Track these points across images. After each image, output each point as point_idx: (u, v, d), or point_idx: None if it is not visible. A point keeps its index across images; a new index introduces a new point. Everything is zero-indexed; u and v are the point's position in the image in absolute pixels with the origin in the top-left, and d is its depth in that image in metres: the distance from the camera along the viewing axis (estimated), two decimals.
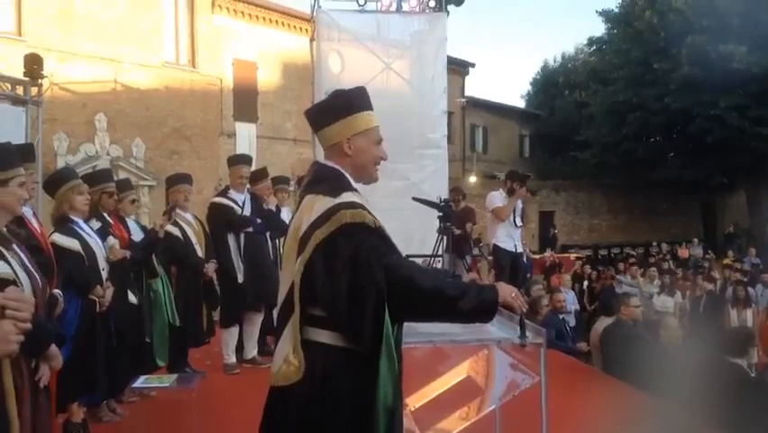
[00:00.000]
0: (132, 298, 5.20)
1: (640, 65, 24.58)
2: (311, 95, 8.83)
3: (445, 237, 5.69)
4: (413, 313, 2.37)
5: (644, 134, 26.29)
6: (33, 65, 9.45)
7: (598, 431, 4.64)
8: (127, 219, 5.69)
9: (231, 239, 6.51)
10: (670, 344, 6.66)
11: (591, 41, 29.90)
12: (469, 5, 9.74)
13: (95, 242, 4.70)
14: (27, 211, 4.05)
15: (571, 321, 8.56)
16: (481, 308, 2.32)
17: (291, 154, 19.96)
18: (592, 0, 57.15)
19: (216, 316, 6.76)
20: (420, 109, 8.78)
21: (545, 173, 30.53)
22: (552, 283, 11.72)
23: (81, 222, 4.69)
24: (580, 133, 27.83)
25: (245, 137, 19.07)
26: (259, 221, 6.65)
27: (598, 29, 34.62)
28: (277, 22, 20.22)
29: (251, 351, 6.74)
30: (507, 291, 2.38)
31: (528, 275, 11.57)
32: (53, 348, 2.54)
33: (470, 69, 30.01)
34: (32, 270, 2.56)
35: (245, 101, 19.46)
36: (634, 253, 22.47)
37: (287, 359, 2.30)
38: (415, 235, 7.44)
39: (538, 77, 38.67)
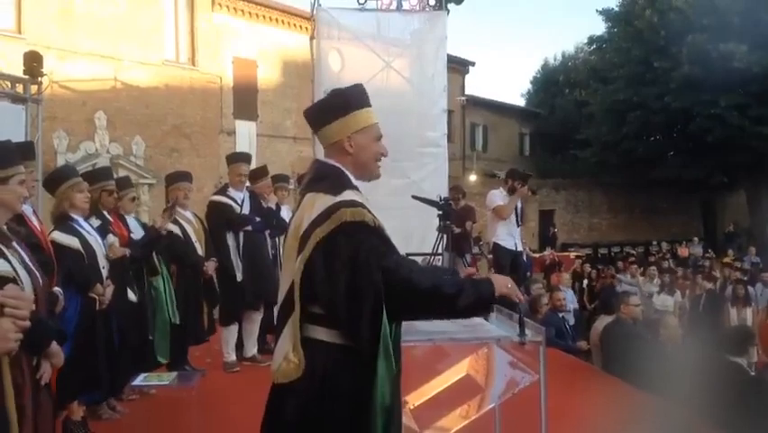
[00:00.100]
0: (131, 296, 5.21)
1: (640, 64, 24.57)
2: (311, 93, 8.83)
3: (445, 236, 5.71)
4: (412, 313, 2.38)
5: (645, 133, 26.28)
6: (33, 63, 9.44)
7: (597, 430, 4.64)
8: (127, 217, 5.69)
9: (230, 238, 6.51)
10: (669, 342, 6.67)
11: (592, 40, 29.88)
12: (469, 4, 9.75)
13: (95, 240, 4.70)
14: (27, 209, 4.05)
15: (570, 320, 8.56)
16: (479, 302, 2.34)
17: (291, 152, 19.97)
18: None
19: (216, 314, 6.76)
20: (420, 108, 8.78)
21: (545, 172, 30.52)
22: (551, 282, 11.73)
23: (81, 220, 4.69)
24: (581, 131, 27.84)
25: (245, 135, 19.08)
26: (258, 219, 6.65)
27: (599, 28, 34.61)
28: (277, 20, 20.22)
29: (251, 349, 6.75)
30: (502, 283, 2.40)
31: (528, 274, 11.58)
32: (54, 346, 2.54)
33: (471, 67, 30.04)
34: (33, 267, 2.57)
35: (245, 99, 19.46)
36: (634, 251, 22.49)
37: (287, 357, 2.30)
38: (414, 234, 7.45)
39: (538, 75, 38.63)
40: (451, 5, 9.34)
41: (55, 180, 4.72)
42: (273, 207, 6.92)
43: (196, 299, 6.21)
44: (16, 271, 2.44)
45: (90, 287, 4.54)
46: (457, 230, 7.93)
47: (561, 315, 8.19)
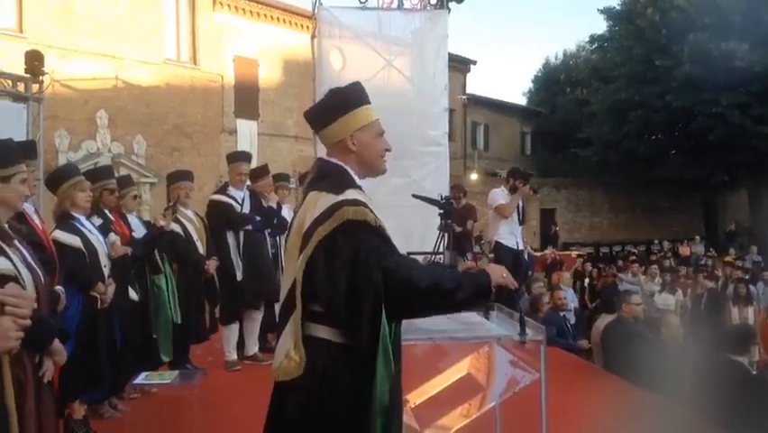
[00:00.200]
0: (133, 294, 5.21)
1: (642, 63, 24.55)
2: (312, 92, 8.83)
3: (446, 234, 5.70)
4: (412, 311, 2.39)
5: (646, 132, 26.25)
6: (34, 62, 9.43)
7: (598, 428, 4.64)
8: (129, 216, 5.69)
9: (230, 237, 6.51)
10: (671, 341, 6.67)
11: (593, 39, 29.83)
12: (470, 2, 9.78)
13: (96, 239, 4.70)
14: (29, 208, 4.05)
15: (571, 319, 8.56)
16: (478, 294, 2.36)
17: (292, 151, 19.97)
18: None
19: (217, 313, 6.76)
20: (421, 106, 8.78)
21: (546, 171, 30.48)
22: (552, 281, 11.73)
23: (83, 219, 4.69)
24: (582, 130, 27.81)
25: (246, 134, 19.09)
26: (258, 219, 6.65)
27: (600, 26, 34.60)
28: (278, 19, 20.22)
29: (252, 348, 6.75)
30: (497, 273, 2.41)
31: (529, 273, 11.57)
32: (57, 343, 2.55)
33: (472, 66, 30.02)
34: (34, 266, 2.57)
35: (246, 98, 19.46)
36: (635, 250, 22.47)
37: (288, 354, 2.31)
38: (415, 233, 7.45)
39: (540, 74, 38.56)
40: (452, 4, 9.35)
41: (57, 179, 4.72)
42: (274, 206, 6.92)
43: (198, 297, 6.22)
44: (18, 270, 2.44)
45: (92, 286, 4.55)
46: (458, 229, 7.93)
47: (562, 314, 8.19)
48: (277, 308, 6.25)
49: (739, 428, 4.60)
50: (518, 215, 8.30)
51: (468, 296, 2.32)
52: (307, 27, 14.94)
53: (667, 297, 11.27)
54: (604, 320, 7.22)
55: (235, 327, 6.60)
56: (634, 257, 16.05)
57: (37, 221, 4.14)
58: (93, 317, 4.56)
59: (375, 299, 2.18)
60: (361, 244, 2.23)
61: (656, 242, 24.82)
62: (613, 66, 26.21)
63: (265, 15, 19.93)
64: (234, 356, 6.59)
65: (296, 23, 20.13)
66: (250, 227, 6.58)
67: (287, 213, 7.10)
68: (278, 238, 6.98)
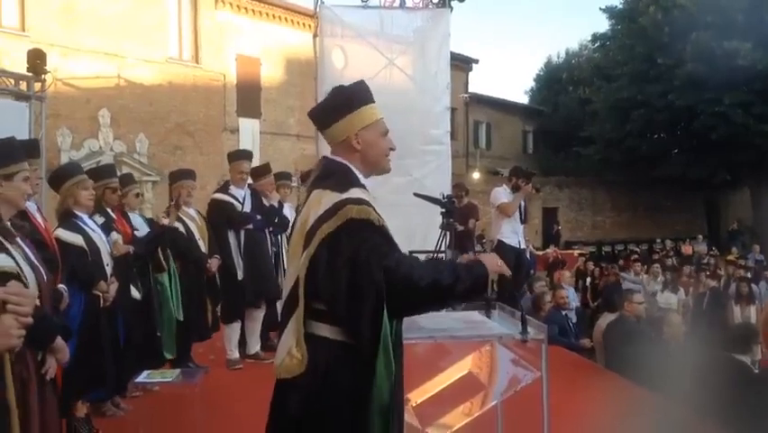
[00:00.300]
0: (135, 293, 5.22)
1: (644, 61, 24.52)
2: (314, 91, 8.82)
3: (448, 233, 5.69)
4: (413, 309, 2.40)
5: (648, 131, 26.22)
6: (36, 60, 9.43)
7: (599, 427, 4.64)
8: (131, 214, 5.70)
9: (231, 236, 6.52)
10: (673, 340, 6.66)
11: (595, 38, 29.81)
12: (472, 1, 9.72)
13: (99, 237, 4.71)
14: (31, 206, 4.06)
15: (572, 318, 8.56)
16: (476, 286, 2.37)
17: (294, 150, 19.98)
18: None
19: (218, 311, 6.77)
20: (423, 105, 8.75)
21: (549, 169, 30.46)
22: (554, 280, 11.72)
23: (86, 217, 4.70)
24: (584, 129, 27.78)
25: (248, 133, 19.09)
26: (258, 217, 6.65)
27: (603, 25, 34.53)
28: (280, 17, 20.22)
29: (254, 346, 6.76)
30: (493, 262, 2.42)
31: (531, 271, 11.57)
32: (59, 341, 2.55)
33: (474, 65, 30.00)
34: (37, 263, 2.58)
35: (248, 97, 19.47)
36: (637, 249, 22.44)
37: (290, 352, 2.32)
38: (417, 232, 7.43)
39: (542, 73, 38.55)
40: (454, 3, 9.30)
41: (60, 178, 4.73)
42: (275, 204, 6.92)
43: (200, 296, 6.22)
44: (20, 267, 2.45)
45: (94, 284, 4.55)
46: (460, 228, 7.93)
47: (564, 313, 8.19)
48: (278, 306, 6.28)
49: (741, 428, 4.59)
50: (520, 214, 8.30)
51: (466, 288, 2.34)
52: (309, 26, 14.94)
53: (669, 296, 11.27)
54: (606, 319, 7.22)
55: (237, 325, 6.61)
56: (636, 256, 16.02)
57: (39, 219, 4.14)
58: (96, 316, 4.57)
59: (376, 299, 2.18)
60: (363, 242, 2.23)
61: (659, 241, 24.80)
62: (615, 64, 26.18)
63: (267, 14, 19.94)
64: (236, 355, 6.60)
65: (298, 22, 20.13)
66: (251, 226, 6.58)
67: (288, 211, 7.11)
68: (279, 237, 6.98)
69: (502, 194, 8.34)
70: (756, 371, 5.44)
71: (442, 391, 3.58)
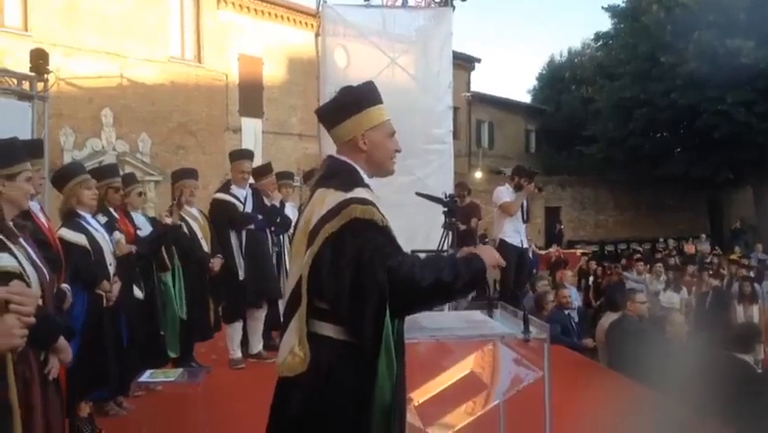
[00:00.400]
0: (137, 293, 5.22)
1: (647, 60, 24.48)
2: (316, 90, 8.82)
3: (450, 233, 5.69)
4: (415, 308, 2.41)
5: (651, 130, 26.17)
6: (39, 60, 9.46)
7: (601, 426, 4.64)
8: (134, 213, 5.71)
9: (232, 236, 6.52)
10: (675, 340, 6.66)
11: (598, 36, 29.77)
12: (475, 0, 9.72)
13: (102, 236, 4.72)
14: (34, 206, 4.07)
15: (575, 317, 8.55)
16: (474, 280, 2.38)
17: (296, 149, 19.98)
18: None
19: (220, 311, 6.77)
20: (425, 104, 8.75)
21: (551, 168, 30.45)
22: (557, 279, 11.72)
23: (89, 217, 4.70)
24: (587, 128, 27.74)
25: (251, 132, 19.09)
26: (260, 217, 6.65)
27: (605, 24, 34.50)
28: (282, 17, 20.23)
29: (257, 345, 6.77)
30: (490, 255, 2.43)
31: (534, 271, 11.58)
32: (62, 341, 2.56)
33: (476, 64, 29.97)
34: (39, 263, 2.58)
35: (251, 96, 19.48)
36: (640, 248, 22.42)
37: (292, 351, 2.32)
38: (419, 231, 7.44)
39: (544, 72, 38.52)
40: (456, 2, 9.33)
41: (63, 177, 4.74)
42: (277, 204, 6.92)
43: (202, 295, 6.23)
44: (23, 267, 2.46)
45: (97, 284, 4.56)
46: (462, 227, 7.91)
47: (566, 312, 8.18)
48: (280, 305, 6.29)
49: (744, 427, 4.59)
50: (522, 213, 8.29)
51: (466, 283, 2.34)
52: (312, 25, 14.96)
53: (672, 295, 11.26)
54: (609, 318, 7.22)
55: (239, 325, 6.61)
56: (639, 255, 16.00)
57: (43, 219, 4.15)
58: (98, 316, 4.57)
59: (379, 299, 2.18)
60: (366, 242, 2.23)
61: (661, 240, 24.77)
62: (618, 63, 26.14)
63: (269, 13, 19.95)
64: (238, 354, 6.61)
65: (300, 21, 20.15)
66: (252, 227, 6.58)
67: (290, 211, 7.11)
68: (281, 237, 6.98)
69: (504, 193, 8.34)
70: (759, 370, 5.44)
71: (444, 391, 3.58)
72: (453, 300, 2.68)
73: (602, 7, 27.75)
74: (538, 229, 25.26)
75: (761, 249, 19.36)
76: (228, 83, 19.08)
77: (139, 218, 5.76)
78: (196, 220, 6.29)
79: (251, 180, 6.84)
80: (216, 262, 6.27)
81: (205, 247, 6.25)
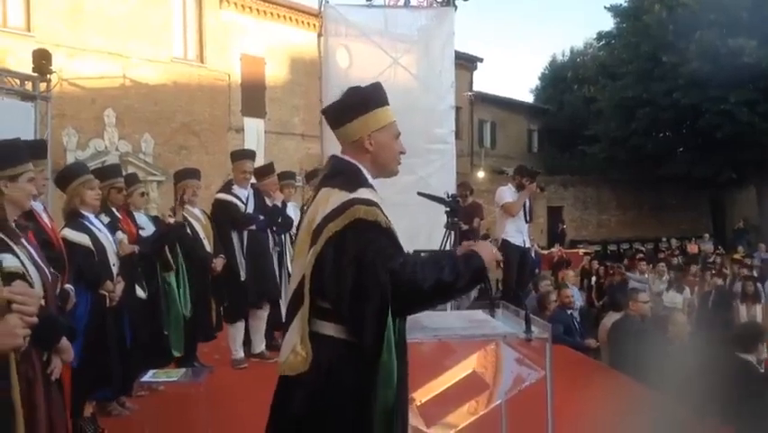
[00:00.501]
0: (140, 292, 5.23)
1: (649, 60, 24.45)
2: (319, 90, 8.83)
3: (453, 233, 5.69)
4: (417, 309, 2.42)
5: (654, 129, 26.14)
6: (42, 60, 9.48)
7: (603, 426, 4.64)
8: (137, 213, 5.71)
9: (234, 236, 6.53)
10: (677, 339, 6.65)
11: (600, 36, 29.74)
12: None
13: (105, 237, 4.72)
14: (38, 206, 4.08)
15: (576, 317, 8.55)
16: (474, 278, 2.39)
17: (299, 149, 20.00)
18: None
19: (222, 311, 6.78)
20: (427, 104, 8.76)
21: (554, 168, 30.42)
22: (559, 279, 11.71)
23: (92, 217, 4.71)
24: (589, 127, 27.71)
25: (253, 132, 19.11)
26: (261, 218, 6.65)
27: (607, 23, 34.47)
28: (284, 17, 20.24)
29: (259, 345, 6.77)
30: (488, 252, 2.43)
31: (536, 270, 11.57)
32: (64, 341, 2.56)
33: (479, 63, 29.95)
34: (42, 263, 2.59)
35: (253, 96, 19.49)
36: (643, 248, 22.38)
37: (294, 349, 2.33)
38: (422, 231, 7.45)
39: (547, 71, 38.47)
40: (458, 1, 9.32)
41: (66, 177, 4.74)
42: (279, 204, 6.92)
43: (204, 295, 6.23)
44: (25, 267, 2.46)
45: (100, 284, 4.56)
46: (465, 227, 7.92)
47: (569, 312, 8.18)
48: (282, 306, 6.29)
49: (745, 426, 4.59)
50: (525, 213, 8.28)
51: (467, 282, 2.36)
52: (314, 25, 14.99)
53: (674, 295, 11.24)
54: (611, 318, 7.22)
55: (241, 325, 6.62)
56: (641, 255, 15.98)
57: (46, 219, 4.16)
58: (102, 316, 4.58)
59: (381, 300, 2.19)
60: (369, 243, 2.24)
61: (664, 239, 24.72)
62: (620, 63, 26.12)
63: (272, 13, 19.96)
64: (241, 354, 6.61)
65: (302, 21, 20.17)
66: (254, 227, 6.59)
67: (292, 211, 7.11)
68: (282, 237, 6.99)
69: (507, 193, 8.33)
70: (762, 370, 5.43)
71: (446, 390, 3.58)
72: (454, 299, 2.68)
73: (605, 7, 27.75)
74: (541, 229, 25.23)
75: (764, 249, 19.27)
76: (231, 83, 19.10)
77: (141, 218, 5.76)
78: (198, 220, 6.29)
79: (253, 180, 6.84)
80: (219, 263, 6.27)
81: (208, 247, 6.25)
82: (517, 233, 8.21)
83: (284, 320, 2.52)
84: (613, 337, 6.90)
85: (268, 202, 6.81)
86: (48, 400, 2.44)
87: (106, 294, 4.60)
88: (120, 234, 5.02)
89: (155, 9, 17.20)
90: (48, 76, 9.52)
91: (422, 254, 2.55)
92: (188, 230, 6.11)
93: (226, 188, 6.79)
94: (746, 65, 20.80)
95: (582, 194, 29.04)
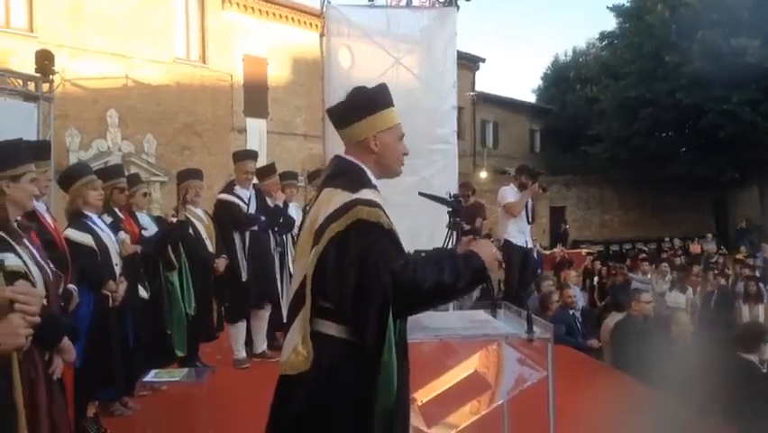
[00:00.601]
0: (142, 293, 5.23)
1: (652, 60, 24.44)
2: (321, 90, 8.83)
3: (455, 233, 5.69)
4: (418, 309, 2.42)
5: (656, 129, 26.13)
6: (45, 61, 9.47)
7: (606, 426, 4.63)
8: (139, 213, 5.72)
9: (236, 237, 6.53)
10: (680, 339, 6.64)
11: (603, 36, 29.72)
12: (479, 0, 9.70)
13: (108, 237, 4.73)
14: (41, 207, 4.09)
15: (578, 317, 8.54)
16: (474, 278, 2.39)
17: (301, 150, 20.00)
18: None
19: (223, 311, 6.79)
20: (429, 104, 8.75)
21: (556, 168, 30.40)
22: (561, 279, 11.70)
23: (95, 217, 4.72)
24: (592, 127, 27.70)
25: (255, 132, 19.12)
26: (263, 218, 6.66)
27: (610, 23, 34.42)
28: (287, 17, 20.25)
29: (261, 345, 6.78)
30: (487, 252, 2.42)
31: (539, 271, 11.55)
32: (66, 341, 2.57)
33: (481, 64, 29.94)
34: (43, 263, 2.59)
35: (255, 96, 19.50)
36: (645, 248, 22.36)
37: (295, 349, 2.33)
38: (423, 231, 7.43)
39: (549, 71, 38.44)
40: (461, 1, 9.30)
41: (69, 178, 4.76)
42: (281, 204, 6.92)
43: (206, 295, 6.24)
44: (27, 267, 2.47)
45: (103, 284, 4.57)
46: (467, 227, 7.90)
47: (571, 312, 8.17)
48: (282, 306, 6.30)
49: (749, 426, 4.58)
50: (527, 214, 8.28)
51: (467, 283, 2.36)
52: (316, 25, 14.96)
53: (677, 295, 11.22)
54: (613, 318, 7.21)
55: (242, 325, 6.63)
56: (644, 255, 15.96)
57: (49, 219, 4.17)
58: (105, 316, 4.59)
59: (383, 301, 2.19)
60: (371, 244, 2.24)
61: (667, 239, 24.70)
62: (623, 63, 26.10)
63: (274, 14, 19.97)
64: (243, 354, 6.62)
65: (304, 22, 20.17)
66: (256, 228, 6.59)
67: (294, 211, 7.11)
68: (284, 237, 6.99)
69: (509, 193, 8.33)
70: (764, 370, 5.43)
71: (448, 390, 3.58)
72: (455, 299, 2.68)
73: (607, 7, 27.72)
74: (543, 229, 25.21)
75: (766, 249, 19.25)
76: (233, 83, 19.11)
77: (144, 218, 5.77)
78: (200, 221, 6.30)
79: (255, 181, 6.85)
80: (221, 263, 6.28)
81: (210, 248, 6.26)
82: (519, 233, 8.21)
83: (285, 320, 2.52)
84: (615, 338, 6.89)
85: (269, 202, 6.82)
86: (50, 400, 2.45)
87: (109, 294, 4.61)
88: (122, 235, 5.03)
89: (157, 9, 17.22)
90: (50, 76, 9.50)
91: (423, 253, 2.55)
92: (191, 230, 6.12)
93: (228, 188, 6.80)
94: (749, 65, 20.79)
95: (585, 194, 29.02)
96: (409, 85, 8.60)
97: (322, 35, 8.85)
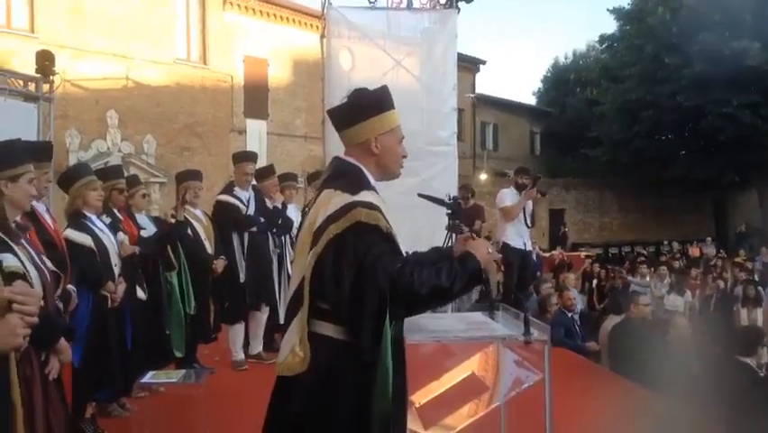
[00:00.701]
0: (140, 293, 5.23)
1: (652, 62, 24.45)
2: (321, 92, 8.82)
3: (454, 235, 5.69)
4: (414, 312, 2.43)
5: (656, 132, 26.15)
6: (45, 61, 9.48)
7: (603, 430, 4.63)
8: (138, 214, 5.72)
9: (235, 238, 6.53)
10: (678, 343, 6.65)
11: (603, 39, 29.76)
12: (480, 2, 9.71)
13: (107, 237, 4.73)
14: (40, 207, 4.09)
15: (577, 320, 8.54)
16: (471, 280, 2.38)
17: (301, 151, 20.02)
18: None
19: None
20: (430, 106, 8.73)
21: (556, 171, 30.43)
22: (560, 282, 11.68)
23: (94, 218, 4.72)
24: (591, 130, 27.74)
25: (256, 134, 19.14)
26: (262, 220, 6.66)
27: (610, 26, 34.50)
28: (287, 19, 20.28)
29: (257, 347, 6.78)
30: (482, 252, 2.43)
31: (538, 273, 11.56)
32: (62, 342, 2.57)
33: (481, 66, 29.99)
34: (41, 264, 2.59)
35: (256, 98, 19.52)
36: (645, 251, 22.36)
37: (293, 350, 2.34)
38: (423, 233, 7.42)
39: (549, 74, 38.47)
40: (461, 4, 9.28)
41: (69, 178, 4.76)
42: (279, 205, 6.92)
43: (205, 296, 6.23)
44: (25, 268, 2.47)
45: (102, 284, 4.57)
46: (466, 229, 7.90)
47: (570, 315, 8.17)
48: (280, 309, 6.29)
49: (747, 429, 4.58)
50: (527, 217, 8.27)
51: (464, 285, 2.36)
52: (317, 27, 14.96)
53: (676, 298, 11.21)
54: (612, 321, 7.22)
55: (241, 326, 6.63)
56: (643, 258, 15.95)
57: (49, 220, 4.17)
58: (103, 317, 4.58)
59: (380, 304, 2.20)
60: (369, 247, 2.24)
61: (666, 243, 24.70)
62: (623, 65, 26.13)
63: (275, 15, 20.00)
64: (242, 356, 6.62)
65: (305, 23, 20.20)
66: (255, 229, 6.59)
67: (293, 213, 7.11)
68: (282, 238, 6.99)
69: (508, 196, 8.33)
70: (762, 373, 5.43)
71: (445, 392, 3.58)
72: (453, 301, 2.69)
73: (607, 9, 27.78)
74: (542, 231, 25.21)
75: (765, 252, 19.24)
76: (233, 85, 19.14)
77: (143, 219, 5.76)
78: (199, 222, 6.29)
79: (254, 182, 6.85)
80: (220, 264, 6.27)
81: (209, 249, 6.25)
82: (517, 236, 8.20)
83: (283, 321, 2.53)
84: (614, 340, 6.89)
85: (268, 204, 6.82)
86: (46, 400, 2.45)
87: (108, 295, 4.60)
88: (121, 235, 5.02)
89: (158, 10, 17.24)
90: (51, 77, 9.51)
91: (416, 251, 2.55)
92: (189, 231, 6.12)
93: (228, 189, 6.80)
94: (750, 67, 20.82)
95: (584, 197, 29.03)
96: (410, 87, 8.59)
97: (322, 37, 8.85)
